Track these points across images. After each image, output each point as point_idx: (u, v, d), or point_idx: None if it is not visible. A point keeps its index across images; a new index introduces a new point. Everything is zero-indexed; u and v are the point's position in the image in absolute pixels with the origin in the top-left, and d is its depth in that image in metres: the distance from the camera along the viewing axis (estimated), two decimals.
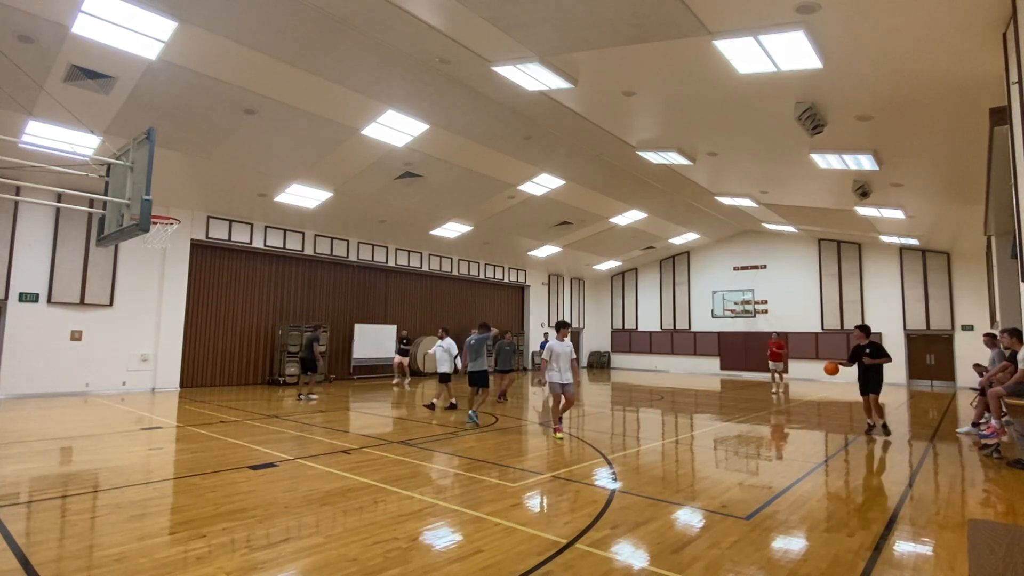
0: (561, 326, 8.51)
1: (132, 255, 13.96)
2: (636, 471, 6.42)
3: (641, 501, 5.15)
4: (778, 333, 19.07)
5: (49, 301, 12.78)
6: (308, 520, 4.51)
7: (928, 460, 7.29)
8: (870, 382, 8.95)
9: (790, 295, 22.91)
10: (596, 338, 28.72)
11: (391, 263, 19.87)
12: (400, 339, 17.15)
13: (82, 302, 13.20)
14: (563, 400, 8.38)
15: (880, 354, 8.87)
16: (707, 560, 3.78)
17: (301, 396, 12.86)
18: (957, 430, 9.67)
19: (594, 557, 3.82)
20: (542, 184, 15.28)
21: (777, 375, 17.77)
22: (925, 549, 4.09)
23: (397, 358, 16.77)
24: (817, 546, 4.09)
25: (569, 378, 8.35)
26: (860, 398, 9.30)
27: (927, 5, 5.86)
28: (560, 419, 8.49)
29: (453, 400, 11.47)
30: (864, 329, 9.16)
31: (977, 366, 10.40)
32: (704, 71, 8.13)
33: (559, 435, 8.29)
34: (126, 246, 13.64)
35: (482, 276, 23.39)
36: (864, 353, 8.94)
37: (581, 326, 28.06)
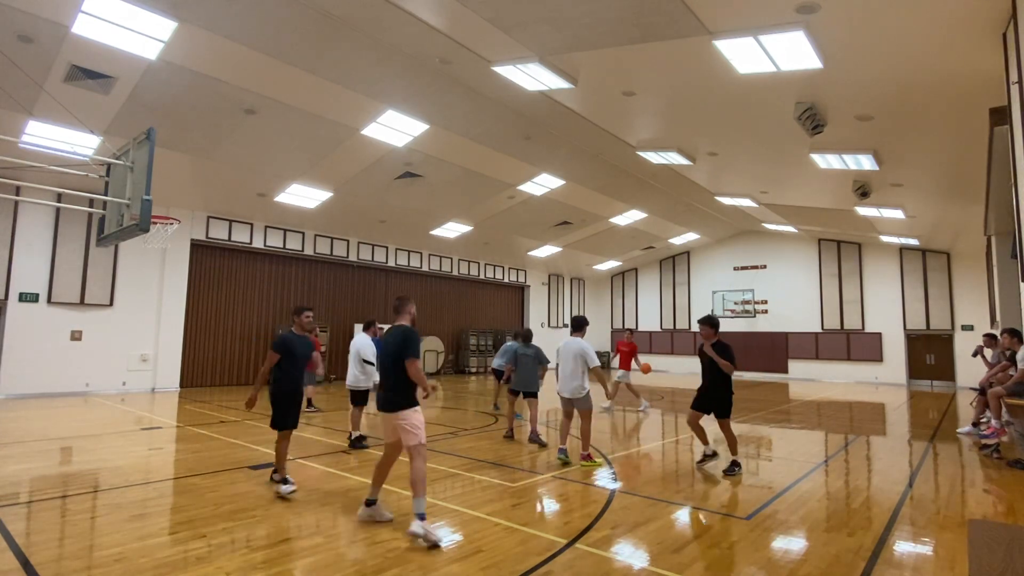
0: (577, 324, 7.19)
1: (132, 255, 13.95)
2: (636, 471, 6.41)
3: (641, 501, 5.15)
4: (631, 331, 13.02)
5: (49, 301, 12.77)
6: (308, 520, 4.51)
7: (928, 460, 7.29)
8: (711, 398, 6.41)
9: (790, 295, 22.91)
10: (596, 338, 28.70)
11: (391, 263, 19.87)
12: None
13: (82, 302, 13.20)
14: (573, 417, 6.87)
15: (724, 355, 6.29)
16: (707, 560, 3.78)
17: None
18: (957, 430, 9.67)
19: (594, 557, 3.82)
20: (542, 184, 15.28)
21: (629, 386, 12.03)
22: (925, 549, 4.09)
23: None
24: (817, 546, 4.09)
25: (566, 388, 6.74)
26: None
27: (927, 5, 5.86)
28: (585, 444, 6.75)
29: (358, 432, 7.61)
30: (712, 323, 6.50)
31: (979, 348, 9.84)
32: (704, 71, 8.13)
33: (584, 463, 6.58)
34: (126, 246, 13.62)
35: (482, 276, 23.39)
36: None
37: (624, 326, 28.03)
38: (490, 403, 12.03)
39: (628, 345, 12.09)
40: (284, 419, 5.39)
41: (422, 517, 4.00)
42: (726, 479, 6.07)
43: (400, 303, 4.58)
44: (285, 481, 5.22)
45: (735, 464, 6.30)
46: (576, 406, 6.76)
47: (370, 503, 4.44)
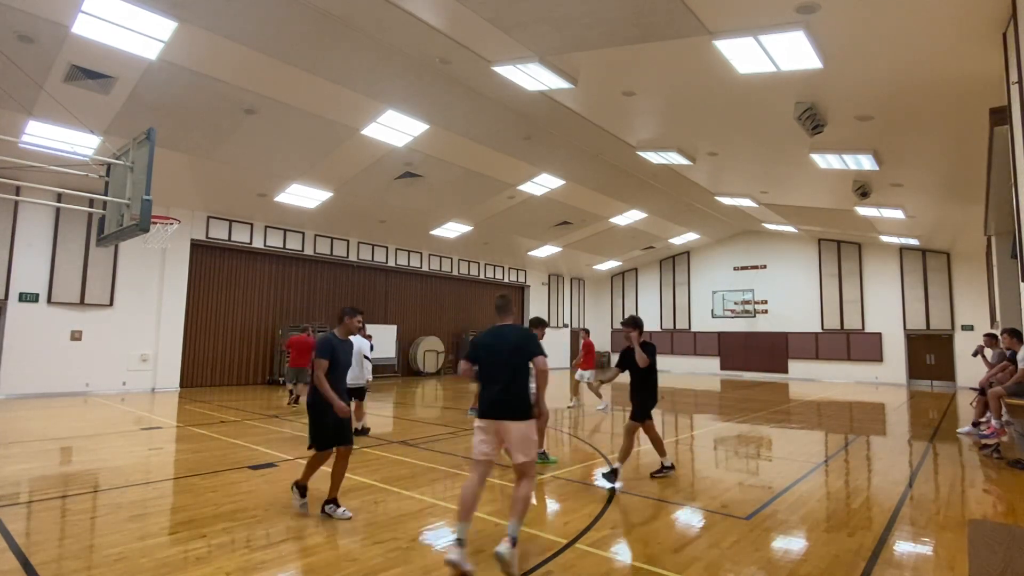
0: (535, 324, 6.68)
1: (132, 255, 13.95)
2: (636, 471, 6.41)
3: (641, 501, 5.15)
4: (587, 331, 12.79)
5: (49, 301, 12.77)
6: (308, 520, 4.51)
7: (928, 460, 7.29)
8: (645, 400, 5.98)
9: (790, 295, 22.90)
10: (596, 338, 28.71)
11: (391, 263, 19.87)
12: None
13: (82, 302, 13.20)
14: None
15: (646, 352, 5.91)
16: (707, 560, 3.78)
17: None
18: (957, 430, 9.67)
19: (594, 557, 3.82)
20: (542, 184, 15.28)
21: (587, 385, 11.74)
22: (925, 549, 4.09)
23: None
24: (817, 546, 4.09)
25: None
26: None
27: (927, 5, 5.86)
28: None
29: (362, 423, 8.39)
30: (635, 324, 6.05)
31: (980, 347, 9.83)
32: (704, 71, 8.13)
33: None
34: (126, 246, 13.63)
35: (482, 276, 23.39)
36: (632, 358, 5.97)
37: (581, 326, 28.05)
38: None
39: (587, 344, 12.15)
40: (315, 435, 4.60)
41: (515, 542, 3.47)
42: (653, 479, 5.89)
43: (506, 302, 4.10)
44: (302, 492, 4.70)
45: (613, 472, 5.78)
46: None
47: (462, 542, 3.53)
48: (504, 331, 3.94)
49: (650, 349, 5.99)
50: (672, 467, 6.10)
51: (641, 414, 5.95)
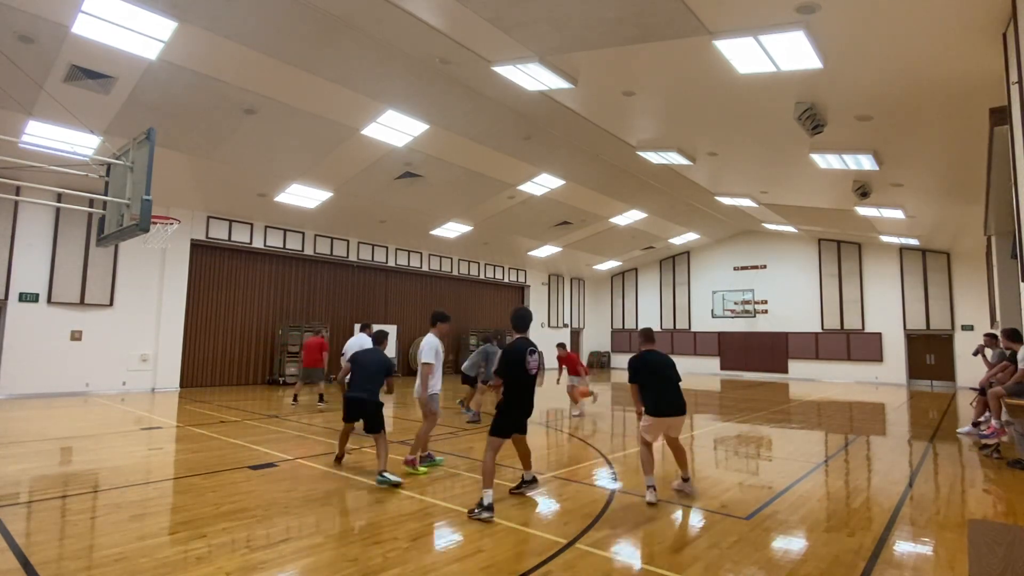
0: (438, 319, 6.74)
1: (132, 255, 13.95)
2: (636, 471, 6.41)
3: (641, 501, 5.15)
4: (563, 344, 12.75)
5: (49, 301, 12.77)
6: (308, 520, 4.51)
7: (928, 460, 7.29)
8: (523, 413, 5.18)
9: (790, 295, 22.91)
10: (596, 338, 28.73)
11: (391, 263, 19.87)
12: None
13: (82, 302, 13.20)
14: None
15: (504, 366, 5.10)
16: (707, 560, 3.78)
17: None
18: (957, 430, 9.67)
19: (594, 557, 3.82)
20: (542, 184, 15.28)
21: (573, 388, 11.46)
22: (925, 549, 4.09)
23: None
24: (817, 546, 4.09)
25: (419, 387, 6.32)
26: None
27: (927, 5, 5.86)
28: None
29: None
30: (520, 321, 5.33)
31: (980, 347, 9.80)
32: (704, 71, 8.13)
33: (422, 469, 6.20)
34: (126, 246, 13.62)
35: (482, 276, 23.38)
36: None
37: (581, 326, 28.06)
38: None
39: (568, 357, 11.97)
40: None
41: (687, 479, 5.45)
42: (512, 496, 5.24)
43: (651, 333, 5.71)
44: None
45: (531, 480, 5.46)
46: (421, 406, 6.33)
47: (686, 478, 5.48)
48: (658, 355, 5.50)
49: (503, 362, 5.08)
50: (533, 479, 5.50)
51: (493, 427, 5.13)
